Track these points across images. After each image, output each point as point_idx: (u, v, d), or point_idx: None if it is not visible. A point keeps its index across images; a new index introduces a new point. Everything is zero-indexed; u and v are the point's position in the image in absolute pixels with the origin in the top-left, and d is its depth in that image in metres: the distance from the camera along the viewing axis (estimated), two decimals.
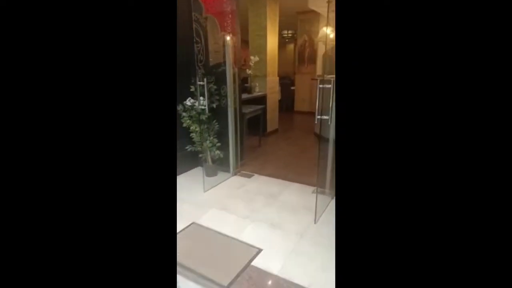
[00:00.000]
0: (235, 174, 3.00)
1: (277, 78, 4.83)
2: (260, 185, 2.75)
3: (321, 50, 6.88)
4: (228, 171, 2.99)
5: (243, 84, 4.59)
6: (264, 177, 2.94)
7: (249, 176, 2.94)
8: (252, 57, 4.24)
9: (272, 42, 4.49)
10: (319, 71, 6.96)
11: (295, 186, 2.73)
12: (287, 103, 7.35)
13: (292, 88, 7.25)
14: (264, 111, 4.41)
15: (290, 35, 8.29)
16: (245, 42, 5.27)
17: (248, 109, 3.51)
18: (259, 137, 4.06)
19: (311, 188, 2.67)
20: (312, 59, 6.74)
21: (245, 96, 4.04)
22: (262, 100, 4.48)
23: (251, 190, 2.63)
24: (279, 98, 7.23)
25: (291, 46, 9.21)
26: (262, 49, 4.36)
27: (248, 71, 4.28)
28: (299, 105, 7.18)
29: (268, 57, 4.41)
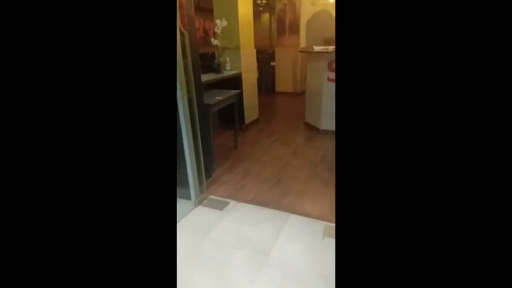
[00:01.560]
0: (199, 203, 1.92)
1: (254, 51, 3.67)
2: (240, 224, 1.70)
3: (305, 15, 5.72)
4: (187, 197, 1.91)
5: (210, 61, 3.41)
6: (244, 206, 1.88)
7: (222, 206, 1.88)
8: (218, 21, 3.03)
9: (246, 6, 3.29)
10: (303, 42, 5.84)
11: (295, 221, 1.71)
12: (266, 82, 6.21)
13: (272, 64, 6.09)
14: (240, 97, 3.29)
15: (265, 1, 6.98)
16: (209, 11, 3.98)
17: (215, 98, 2.38)
18: (234, 133, 2.96)
19: (320, 225, 1.65)
20: (295, 28, 5.58)
21: (211, 77, 2.88)
22: (236, 82, 3.34)
23: (225, 239, 1.58)
24: (257, 76, 6.09)
25: (267, 15, 7.92)
26: (232, 12, 3.15)
27: (214, 42, 3.08)
28: (281, 85, 6.08)
29: (241, 23, 3.21)
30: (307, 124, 3.68)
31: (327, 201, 1.89)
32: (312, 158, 2.67)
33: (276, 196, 1.99)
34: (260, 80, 6.07)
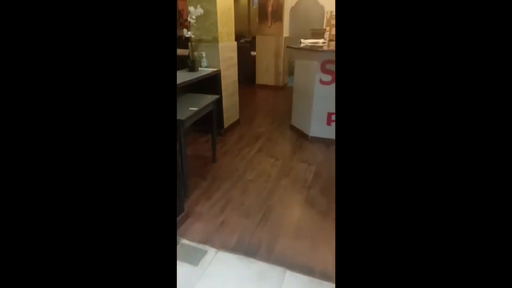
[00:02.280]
0: None
1: (235, 44, 3.17)
2: None
3: (289, 2, 5.21)
4: None
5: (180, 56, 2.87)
6: (226, 257, 1.48)
7: (197, 258, 1.47)
8: (191, 9, 2.49)
9: None
10: (287, 32, 5.36)
11: (293, 281, 1.34)
12: (246, 73, 5.71)
13: (253, 53, 5.58)
14: (219, 102, 2.82)
15: None
16: None
17: (188, 109, 1.91)
18: (212, 142, 2.51)
19: None
20: (278, 15, 5.07)
21: (184, 78, 2.38)
22: (214, 82, 2.85)
23: None
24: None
25: None
26: None
27: (187, 33, 2.55)
28: (263, 77, 5.61)
29: (219, 10, 2.69)
30: (293, 128, 3.30)
31: (329, 247, 1.54)
32: (303, 175, 2.31)
33: (266, 239, 1.61)
34: (238, 70, 5.58)
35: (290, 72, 5.34)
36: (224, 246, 1.55)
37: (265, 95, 5.13)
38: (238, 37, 6.75)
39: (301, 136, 3.11)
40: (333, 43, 3.60)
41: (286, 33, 5.30)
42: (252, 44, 5.65)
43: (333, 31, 5.29)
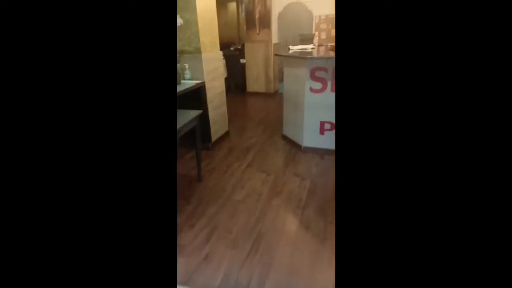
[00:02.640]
0: None
1: (221, 54, 3.02)
2: None
3: (277, 8, 5.10)
4: None
5: None
6: None
7: None
8: None
9: None
10: (276, 38, 5.24)
11: None
12: (236, 81, 5.57)
13: (242, 61, 5.44)
14: (204, 115, 2.65)
15: None
16: None
17: None
18: (197, 161, 2.32)
19: None
20: (266, 22, 4.95)
21: None
22: (197, 95, 2.69)
23: None
24: (225, 76, 5.42)
25: (234, 4, 7.18)
26: (189, 6, 2.46)
27: None
28: (253, 85, 5.47)
29: (201, 19, 2.54)
30: (285, 138, 3.14)
31: (329, 280, 1.36)
32: (297, 192, 2.14)
33: (256, 274, 1.42)
34: (228, 78, 5.44)
35: (281, 78, 5.21)
36: (208, 286, 1.36)
37: (256, 103, 4.98)
38: (227, 45, 6.64)
39: (294, 146, 2.94)
40: (323, 48, 3.46)
41: (275, 39, 5.18)
42: (241, 52, 5.52)
43: (322, 36, 5.18)
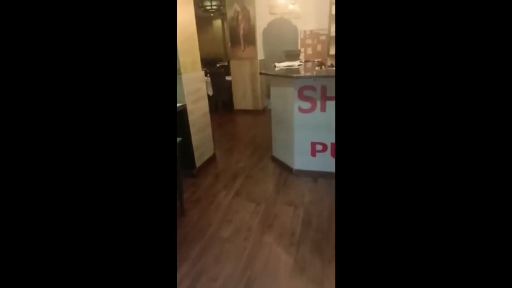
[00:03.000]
0: None
1: (203, 74, 2.85)
2: None
3: (261, 24, 5.02)
4: None
5: None
6: None
7: None
8: None
9: (186, 14, 2.45)
10: (261, 54, 5.14)
11: None
12: (222, 98, 5.40)
13: (228, 78, 5.30)
14: (186, 141, 2.44)
15: (215, 7, 6.17)
16: None
17: None
18: (179, 194, 2.09)
19: None
20: (251, 38, 4.86)
21: None
22: (178, 118, 2.49)
23: None
24: (211, 94, 5.25)
25: (219, 22, 7.13)
26: None
27: None
28: (240, 102, 5.32)
29: (179, 38, 2.38)
30: (275, 160, 2.95)
31: None
32: (290, 225, 1.93)
33: None
34: (215, 96, 5.27)
35: (269, 94, 5.09)
36: None
37: (244, 122, 4.81)
38: (213, 62, 6.50)
39: (284, 169, 2.75)
40: (310, 64, 3.35)
41: (260, 55, 5.08)
42: (227, 69, 5.39)
43: (308, 51, 5.11)
